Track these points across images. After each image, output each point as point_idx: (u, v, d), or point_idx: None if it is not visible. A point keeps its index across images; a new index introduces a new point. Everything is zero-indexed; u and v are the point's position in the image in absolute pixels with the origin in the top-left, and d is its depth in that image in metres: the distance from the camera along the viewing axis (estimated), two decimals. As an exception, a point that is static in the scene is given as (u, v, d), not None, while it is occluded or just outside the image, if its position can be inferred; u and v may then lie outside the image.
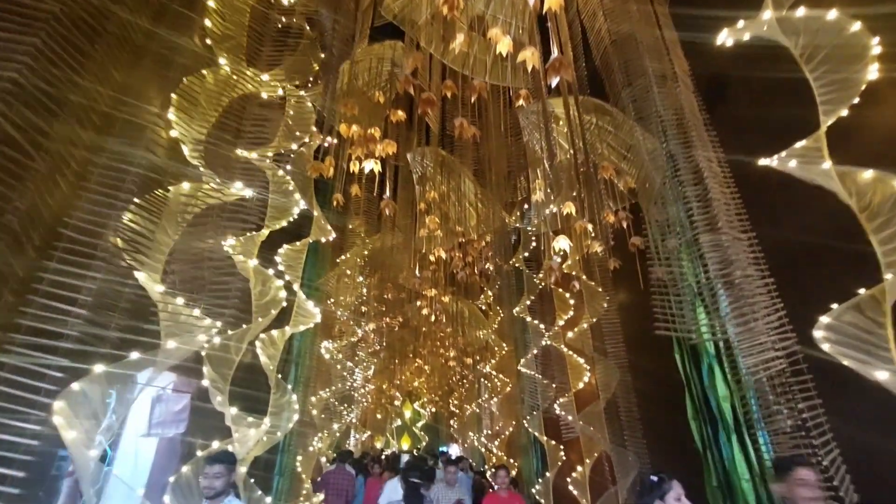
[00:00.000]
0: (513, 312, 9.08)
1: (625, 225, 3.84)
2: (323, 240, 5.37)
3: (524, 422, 8.26)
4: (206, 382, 3.32)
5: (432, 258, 6.27)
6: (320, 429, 8.09)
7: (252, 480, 4.28)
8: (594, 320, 6.18)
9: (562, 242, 3.96)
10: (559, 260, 4.14)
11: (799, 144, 2.55)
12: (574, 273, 5.96)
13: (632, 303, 5.53)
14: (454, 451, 15.88)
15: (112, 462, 3.39)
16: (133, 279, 2.55)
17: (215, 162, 3.51)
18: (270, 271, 4.06)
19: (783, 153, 2.60)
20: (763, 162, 2.74)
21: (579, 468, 6.50)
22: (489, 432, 11.50)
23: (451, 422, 15.59)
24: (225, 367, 3.72)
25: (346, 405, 8.99)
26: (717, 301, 3.93)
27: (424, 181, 6.89)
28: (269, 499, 4.33)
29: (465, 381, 12.84)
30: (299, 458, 7.50)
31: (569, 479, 6.44)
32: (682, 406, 4.24)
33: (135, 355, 2.34)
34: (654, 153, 3.65)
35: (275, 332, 4.58)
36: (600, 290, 6.06)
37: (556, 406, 6.81)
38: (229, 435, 3.78)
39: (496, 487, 4.13)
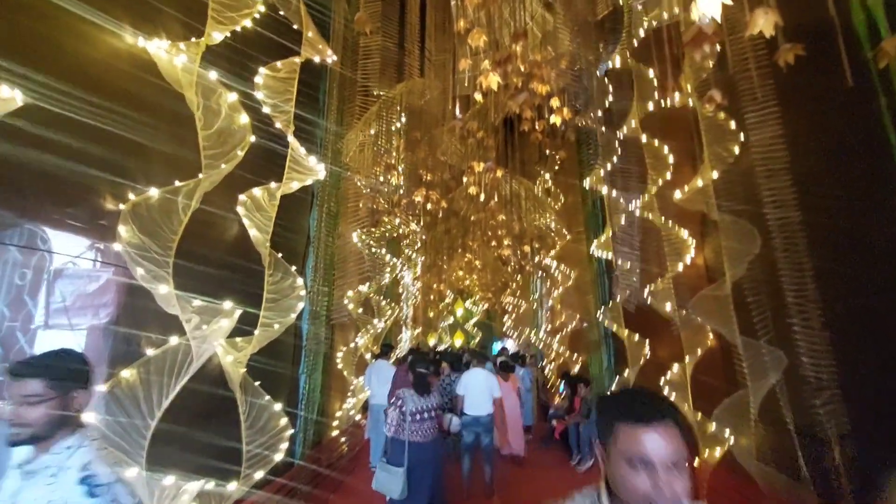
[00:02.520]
0: (582, 186, 7.28)
1: None
2: (318, 59, 3.71)
3: (598, 314, 6.92)
4: (118, 247, 2.06)
5: (479, 97, 4.47)
6: (362, 325, 7.29)
7: (258, 383, 3.31)
8: (715, 175, 4.29)
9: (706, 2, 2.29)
10: (709, 24, 2.28)
11: None
12: (692, 104, 3.97)
13: (814, 124, 3.43)
14: (510, 346, 15.41)
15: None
16: None
17: None
18: (213, 74, 2.53)
19: None
20: None
21: (676, 367, 5.16)
22: (549, 327, 10.47)
23: (505, 318, 14.86)
24: (165, 228, 2.42)
25: (388, 300, 8.05)
26: None
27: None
28: (278, 405, 3.36)
29: (520, 275, 11.61)
30: (339, 354, 6.79)
31: (662, 380, 5.15)
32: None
33: None
34: None
35: (257, 191, 3.22)
36: (732, 124, 4.05)
37: (646, 293, 5.30)
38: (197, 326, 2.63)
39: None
